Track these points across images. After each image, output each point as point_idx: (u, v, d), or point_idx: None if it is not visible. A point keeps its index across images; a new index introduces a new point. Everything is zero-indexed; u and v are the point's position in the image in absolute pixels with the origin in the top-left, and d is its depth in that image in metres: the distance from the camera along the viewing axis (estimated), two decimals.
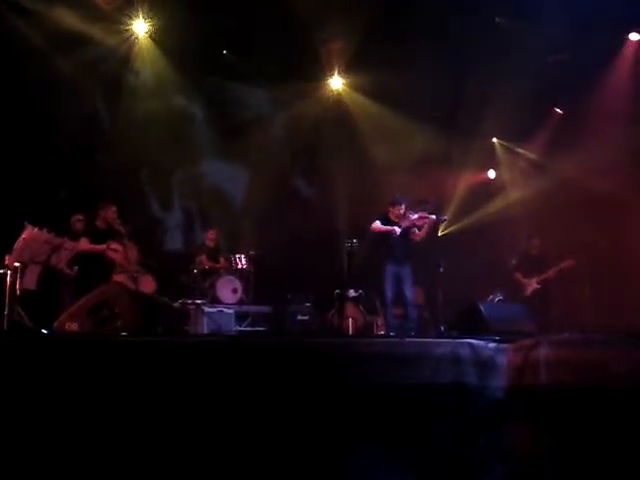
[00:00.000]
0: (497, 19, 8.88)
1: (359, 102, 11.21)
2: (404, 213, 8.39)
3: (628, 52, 9.74)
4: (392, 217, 8.45)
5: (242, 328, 9.39)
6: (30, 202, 8.29)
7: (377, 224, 8.35)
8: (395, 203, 8.45)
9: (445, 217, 8.60)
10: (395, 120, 10.72)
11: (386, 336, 8.60)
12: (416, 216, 8.33)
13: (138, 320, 6.65)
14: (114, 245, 7.35)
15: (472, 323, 7.26)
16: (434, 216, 8.40)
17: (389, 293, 8.26)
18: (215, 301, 9.41)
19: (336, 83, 11.33)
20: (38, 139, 9.12)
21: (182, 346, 4.05)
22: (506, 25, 9.14)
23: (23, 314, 6.36)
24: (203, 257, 9.88)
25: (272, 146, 10.76)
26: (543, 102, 10.52)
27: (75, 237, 7.33)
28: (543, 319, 8.50)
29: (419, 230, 8.36)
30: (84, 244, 7.23)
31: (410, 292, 8.31)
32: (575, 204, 9.81)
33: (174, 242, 11.06)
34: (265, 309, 9.94)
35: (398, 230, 8.21)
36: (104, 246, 7.30)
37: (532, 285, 9.42)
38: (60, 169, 9.44)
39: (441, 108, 10.24)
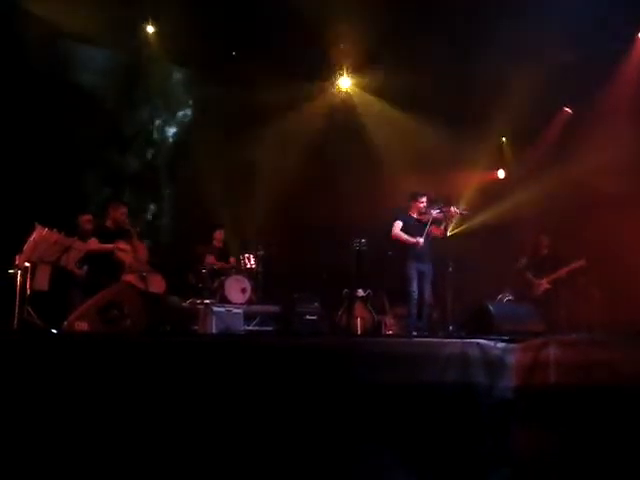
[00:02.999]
0: (505, 20, 8.78)
1: (368, 102, 11.21)
2: (426, 207, 8.35)
3: (638, 51, 9.71)
4: (413, 212, 8.40)
5: (250, 328, 9.39)
6: (40, 202, 8.34)
7: (397, 230, 8.27)
8: (417, 195, 8.41)
9: (466, 211, 8.61)
10: (404, 119, 10.73)
11: (395, 336, 8.60)
12: (437, 211, 8.29)
13: (147, 320, 6.67)
14: (122, 245, 7.36)
15: (481, 323, 7.24)
16: (454, 208, 8.36)
17: (415, 289, 8.21)
18: (224, 301, 9.40)
19: (345, 83, 11.34)
20: (49, 139, 9.20)
21: (191, 345, 4.06)
22: (514, 24, 9.10)
23: (33, 314, 6.40)
24: (212, 257, 9.89)
25: (279, 146, 10.76)
26: (552, 101, 10.48)
27: (84, 237, 7.36)
28: (552, 319, 8.48)
29: (439, 225, 8.32)
30: (93, 244, 7.25)
31: (429, 291, 8.29)
32: (584, 204, 9.77)
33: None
34: (273, 309, 9.94)
35: (421, 241, 8.17)
36: (112, 245, 7.32)
37: (543, 285, 9.38)
38: (71, 169, 9.54)
39: (450, 107, 10.22)
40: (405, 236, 8.28)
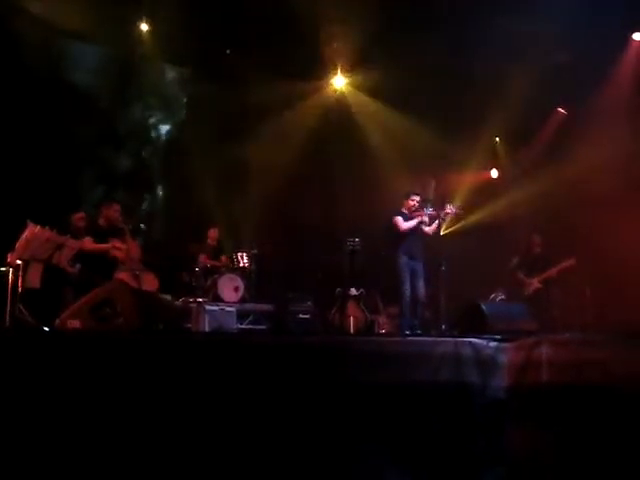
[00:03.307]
0: (500, 19, 8.83)
1: (362, 101, 11.21)
2: (417, 206, 8.40)
3: (631, 52, 9.74)
4: (405, 210, 8.46)
5: (243, 326, 9.38)
6: (32, 200, 8.32)
7: (402, 223, 8.32)
8: (410, 194, 8.48)
9: (460, 210, 8.68)
10: (398, 119, 10.74)
11: (388, 335, 8.60)
12: (431, 209, 8.35)
13: (140, 318, 6.65)
14: (118, 244, 7.35)
15: (474, 322, 7.25)
16: (449, 207, 8.44)
17: (408, 287, 8.22)
18: (217, 299, 9.39)
19: (339, 82, 11.34)
20: (42, 137, 9.18)
21: (184, 344, 4.05)
22: (509, 25, 9.11)
23: (25, 312, 6.37)
24: (204, 256, 9.88)
25: (272, 145, 10.75)
26: (546, 102, 10.51)
27: (77, 235, 7.33)
28: (544, 318, 8.50)
29: (429, 225, 8.36)
30: (88, 243, 7.22)
31: (422, 289, 8.31)
32: (576, 204, 9.80)
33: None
34: (266, 307, 9.93)
35: (425, 218, 8.22)
36: (109, 245, 7.30)
37: (534, 284, 9.41)
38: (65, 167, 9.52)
39: (444, 107, 10.24)
40: (412, 222, 8.33)
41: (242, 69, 10.42)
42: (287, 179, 10.63)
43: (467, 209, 9.64)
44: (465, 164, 10.87)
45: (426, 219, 8.34)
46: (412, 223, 8.33)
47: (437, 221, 8.43)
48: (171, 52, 10.36)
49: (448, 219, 8.68)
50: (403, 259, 8.27)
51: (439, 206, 8.42)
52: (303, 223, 10.75)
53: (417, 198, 8.50)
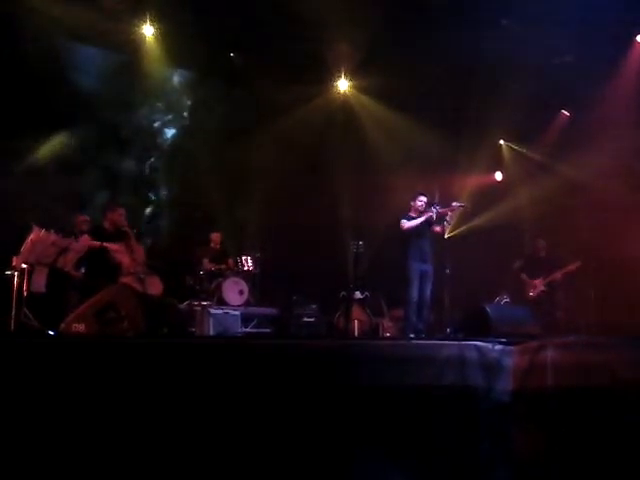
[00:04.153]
0: (503, 21, 8.84)
1: (366, 104, 11.22)
2: (424, 207, 8.36)
3: (635, 53, 9.73)
4: (413, 212, 8.41)
5: (248, 330, 9.39)
6: (37, 204, 8.34)
7: (406, 222, 8.27)
8: (416, 195, 8.44)
9: (463, 204, 8.67)
10: (401, 122, 10.75)
11: (392, 338, 8.60)
12: (438, 207, 8.30)
13: (144, 321, 6.66)
14: (114, 246, 7.33)
15: (478, 325, 7.25)
16: (455, 203, 8.42)
17: (415, 292, 8.16)
18: (221, 303, 9.40)
19: (342, 85, 11.36)
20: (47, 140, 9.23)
21: (188, 347, 4.06)
22: (512, 27, 9.11)
23: (30, 316, 6.39)
24: (206, 260, 9.88)
25: (277, 149, 10.76)
26: (550, 104, 10.51)
27: None
28: (549, 321, 8.50)
29: (440, 223, 8.31)
30: (85, 241, 7.22)
31: (429, 293, 8.26)
32: (581, 206, 9.80)
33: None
34: (271, 311, 9.94)
35: (434, 212, 8.17)
36: (99, 243, 7.26)
37: (539, 287, 9.40)
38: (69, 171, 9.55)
39: (447, 110, 10.25)
40: (417, 220, 8.24)
41: (246, 73, 10.44)
42: (291, 182, 10.63)
43: (471, 212, 9.63)
44: (469, 167, 10.86)
45: (433, 217, 8.24)
46: (414, 222, 8.25)
47: (444, 222, 8.35)
48: (176, 55, 10.37)
49: (454, 217, 8.60)
50: (413, 262, 8.17)
51: (445, 206, 8.36)
52: (307, 226, 10.76)
53: (424, 199, 8.43)
